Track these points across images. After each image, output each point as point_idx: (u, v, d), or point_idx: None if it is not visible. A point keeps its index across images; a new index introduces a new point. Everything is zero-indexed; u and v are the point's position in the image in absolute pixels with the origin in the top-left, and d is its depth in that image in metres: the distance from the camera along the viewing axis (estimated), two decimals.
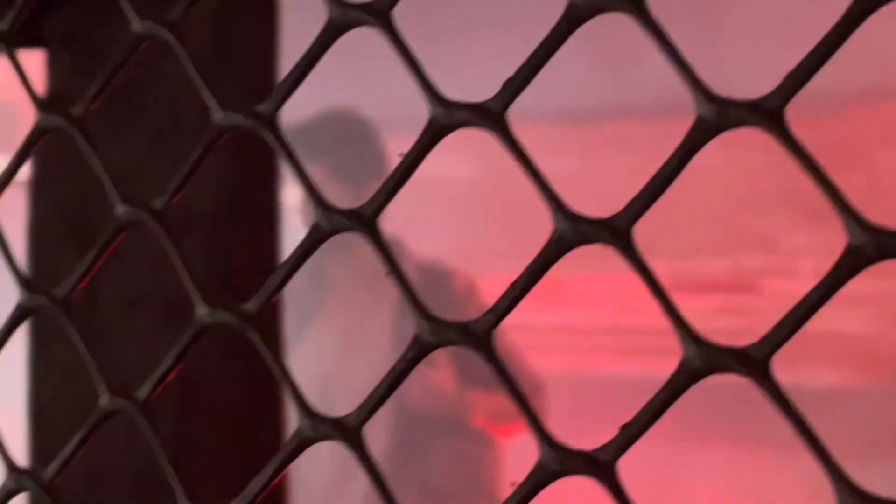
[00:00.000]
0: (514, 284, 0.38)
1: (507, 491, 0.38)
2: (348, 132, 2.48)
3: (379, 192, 0.40)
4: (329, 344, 2.40)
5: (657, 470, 2.56)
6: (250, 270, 0.97)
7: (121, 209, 0.45)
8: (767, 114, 0.34)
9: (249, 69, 0.98)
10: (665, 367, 0.37)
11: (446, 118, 0.39)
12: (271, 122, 0.42)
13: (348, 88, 2.37)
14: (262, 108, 0.42)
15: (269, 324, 0.93)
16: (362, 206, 0.40)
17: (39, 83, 0.97)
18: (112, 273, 0.96)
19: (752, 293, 2.69)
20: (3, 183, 0.48)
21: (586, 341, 2.80)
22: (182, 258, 0.44)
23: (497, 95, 0.38)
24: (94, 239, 1.01)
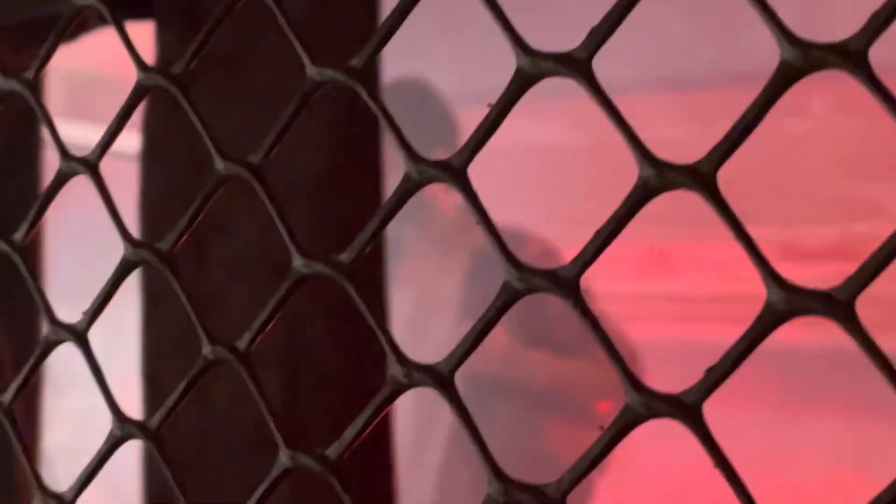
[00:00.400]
0: (599, 232, 0.38)
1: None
2: (419, 102, 2.49)
3: (468, 143, 0.41)
4: (402, 312, 2.42)
5: (765, 438, 2.54)
6: (356, 235, 0.98)
7: (220, 164, 0.46)
8: (851, 55, 0.34)
9: (349, 29, 0.99)
10: (771, 334, 0.37)
11: (532, 68, 0.40)
12: (363, 76, 0.43)
13: (422, 61, 2.38)
14: (355, 61, 0.43)
15: (371, 276, 0.94)
16: (451, 157, 0.41)
17: (148, 55, 0.99)
18: (219, 240, 0.98)
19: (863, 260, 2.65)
20: (107, 142, 0.49)
21: (693, 309, 2.79)
22: (279, 211, 0.45)
23: (583, 44, 0.39)
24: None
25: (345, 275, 0.43)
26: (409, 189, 0.42)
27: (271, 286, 0.97)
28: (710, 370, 0.36)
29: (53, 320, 0.50)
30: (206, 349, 0.46)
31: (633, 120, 0.38)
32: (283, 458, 0.44)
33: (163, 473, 0.98)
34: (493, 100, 0.41)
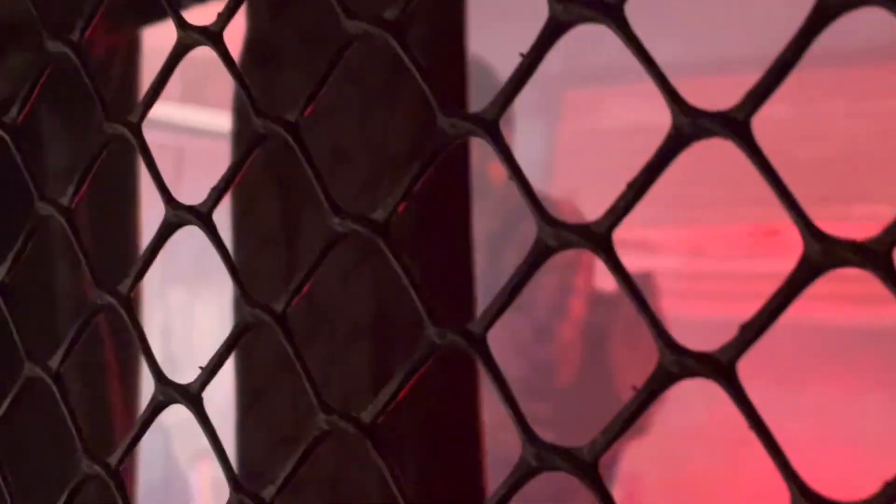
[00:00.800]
0: (630, 185, 0.37)
1: None
2: (474, 78, 2.46)
3: (499, 95, 0.40)
4: None
5: (883, 417, 2.49)
6: (444, 210, 0.97)
7: (257, 122, 0.46)
8: None
9: (435, 8, 0.98)
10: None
11: (565, 14, 0.38)
12: (397, 29, 0.42)
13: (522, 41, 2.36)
14: (388, 14, 0.42)
15: (457, 237, 0.93)
16: (484, 111, 0.40)
17: (239, 28, 0.99)
18: (312, 213, 0.98)
19: None
20: (149, 103, 0.48)
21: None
22: (314, 170, 0.44)
23: None
24: (293, 182, 1.03)
25: (378, 233, 0.42)
26: (443, 143, 0.41)
27: (361, 258, 0.97)
28: (745, 327, 0.35)
29: (99, 284, 0.49)
30: (246, 311, 0.45)
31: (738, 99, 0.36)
32: (320, 421, 0.43)
33: (251, 442, 0.98)
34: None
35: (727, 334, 0.35)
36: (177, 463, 3.22)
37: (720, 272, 2.69)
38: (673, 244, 2.90)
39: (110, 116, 0.49)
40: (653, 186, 0.37)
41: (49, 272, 0.99)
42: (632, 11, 0.38)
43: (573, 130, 2.94)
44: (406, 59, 0.41)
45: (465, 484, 0.94)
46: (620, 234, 0.37)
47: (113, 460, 0.49)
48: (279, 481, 0.44)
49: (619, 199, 0.37)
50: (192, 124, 3.29)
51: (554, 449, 0.38)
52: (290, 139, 0.44)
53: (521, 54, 0.39)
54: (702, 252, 2.78)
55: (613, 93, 2.67)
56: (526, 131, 2.68)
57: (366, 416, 0.42)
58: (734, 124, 0.35)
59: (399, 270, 0.42)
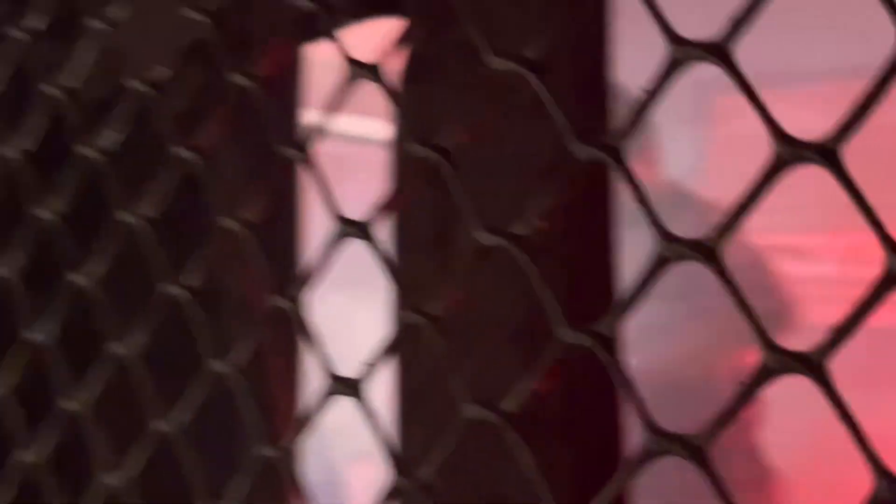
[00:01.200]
0: (739, 205, 0.42)
1: None
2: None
3: (624, 124, 0.45)
4: None
5: None
6: (583, 210, 1.02)
7: (413, 147, 0.52)
8: None
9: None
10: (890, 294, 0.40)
11: (680, 54, 0.43)
12: (538, 68, 0.48)
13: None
14: (530, 52, 0.48)
15: (598, 243, 0.97)
16: (609, 136, 0.45)
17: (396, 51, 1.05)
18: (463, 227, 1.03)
19: None
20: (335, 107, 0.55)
21: None
22: (456, 183, 0.49)
23: (726, 34, 0.43)
24: (447, 196, 1.08)
25: (519, 246, 0.48)
26: (576, 168, 0.47)
27: (511, 270, 1.01)
28: (834, 330, 0.40)
29: (273, 291, 0.56)
30: (408, 317, 0.51)
31: None
32: (466, 410, 0.49)
33: (410, 450, 1.04)
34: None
35: (882, 340, 0.40)
36: (333, 465, 3.30)
37: (860, 278, 2.67)
38: (827, 251, 2.90)
39: (288, 141, 0.56)
40: (756, 204, 0.42)
41: (216, 279, 1.06)
42: (800, 14, 0.43)
43: (726, 136, 2.96)
44: (545, 99, 0.47)
45: (603, 474, 0.98)
46: (774, 240, 0.42)
47: (286, 442, 0.55)
48: (433, 461, 0.50)
49: (726, 217, 0.42)
50: (351, 132, 3.38)
51: (670, 436, 0.43)
52: (444, 163, 0.50)
53: (643, 89, 0.45)
54: (856, 259, 2.77)
55: (766, 98, 2.69)
56: (679, 137, 2.70)
57: (507, 404, 0.48)
58: (826, 153, 0.40)
59: (533, 276, 0.48)
